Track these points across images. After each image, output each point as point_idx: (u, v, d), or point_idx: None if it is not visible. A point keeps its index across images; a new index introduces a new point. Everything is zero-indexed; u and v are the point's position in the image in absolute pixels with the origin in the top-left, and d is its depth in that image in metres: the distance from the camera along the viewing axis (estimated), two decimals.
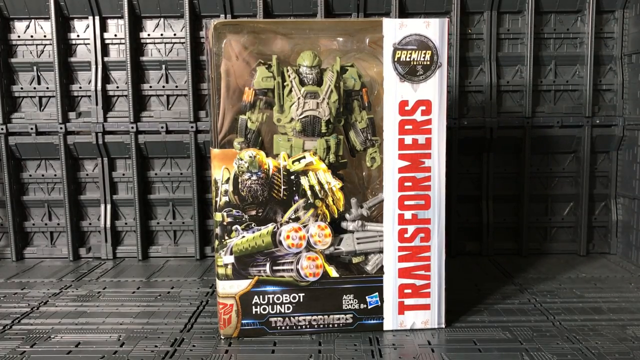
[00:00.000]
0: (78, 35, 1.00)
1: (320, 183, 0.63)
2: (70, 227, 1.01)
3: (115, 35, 0.99)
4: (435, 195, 0.64)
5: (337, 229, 0.64)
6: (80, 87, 1.00)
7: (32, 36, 1.00)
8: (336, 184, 0.63)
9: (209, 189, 1.00)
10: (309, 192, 0.63)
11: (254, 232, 0.63)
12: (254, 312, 0.64)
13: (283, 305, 0.64)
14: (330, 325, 0.65)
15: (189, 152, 0.99)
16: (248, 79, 0.61)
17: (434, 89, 0.62)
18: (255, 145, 0.62)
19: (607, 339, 0.63)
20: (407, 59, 0.61)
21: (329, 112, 0.62)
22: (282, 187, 0.62)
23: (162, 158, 1.02)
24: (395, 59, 0.61)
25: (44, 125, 1.00)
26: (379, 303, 0.65)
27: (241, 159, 0.61)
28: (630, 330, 0.66)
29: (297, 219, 0.63)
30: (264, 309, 0.64)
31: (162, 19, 1.00)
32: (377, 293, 0.65)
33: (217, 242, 0.63)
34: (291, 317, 0.65)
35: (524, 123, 0.98)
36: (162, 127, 0.98)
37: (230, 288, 0.63)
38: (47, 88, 1.00)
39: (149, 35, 1.00)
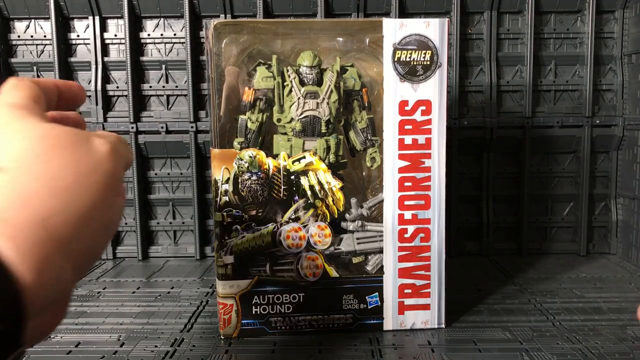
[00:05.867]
0: (78, 35, 1.00)
1: (320, 183, 0.63)
2: None
3: (115, 35, 0.99)
4: (435, 195, 0.64)
5: (337, 229, 0.64)
6: None
7: (32, 36, 0.99)
8: (336, 184, 0.63)
9: (209, 189, 1.00)
10: (309, 192, 0.63)
11: (254, 232, 0.63)
12: (254, 312, 0.64)
13: (283, 305, 0.64)
14: (330, 325, 0.65)
15: (189, 152, 0.99)
16: (247, 79, 0.61)
17: (434, 89, 0.62)
18: (255, 145, 0.62)
19: (607, 339, 0.63)
20: (407, 59, 0.61)
21: (329, 112, 0.62)
22: (282, 187, 0.62)
23: (162, 158, 1.02)
24: (395, 59, 0.61)
25: None
26: (379, 303, 0.65)
27: (241, 159, 0.61)
28: (630, 330, 0.66)
29: (297, 219, 0.63)
30: (264, 309, 0.64)
31: (162, 19, 1.00)
32: (377, 293, 0.65)
33: (217, 242, 0.63)
34: (291, 317, 0.65)
35: (524, 123, 0.98)
36: (162, 127, 0.98)
37: (230, 288, 0.63)
38: None
39: (149, 35, 1.00)
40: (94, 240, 0.34)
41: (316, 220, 0.63)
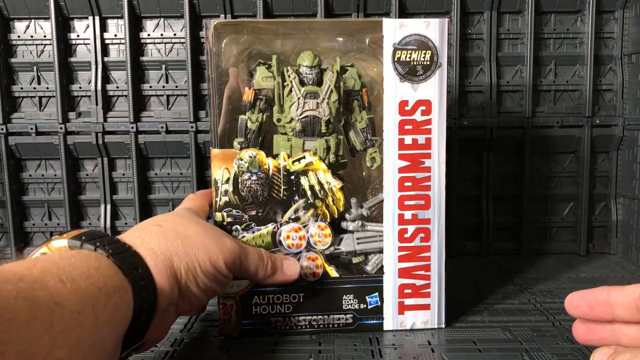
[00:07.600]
0: (78, 35, 1.00)
1: (320, 183, 0.63)
2: (70, 227, 1.01)
3: (115, 35, 0.99)
4: (435, 195, 0.64)
5: (337, 229, 0.64)
6: (80, 87, 1.00)
7: (32, 36, 0.99)
8: (336, 184, 0.63)
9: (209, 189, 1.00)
10: (309, 192, 0.63)
11: (254, 232, 0.63)
12: (254, 312, 0.64)
13: (283, 305, 0.64)
14: (330, 325, 0.65)
15: (189, 152, 0.99)
16: (247, 79, 0.61)
17: (434, 89, 0.62)
18: (255, 145, 0.62)
19: None
20: (407, 59, 0.61)
21: (329, 112, 0.62)
22: (282, 187, 0.62)
23: (162, 158, 1.02)
24: (395, 59, 0.61)
25: (44, 125, 0.99)
26: (379, 303, 0.65)
27: (241, 159, 0.61)
28: None
29: (297, 219, 0.63)
30: (264, 309, 0.64)
31: (162, 19, 1.00)
32: (377, 293, 0.65)
33: None
34: (291, 317, 0.65)
35: (524, 123, 0.98)
36: (162, 127, 0.98)
37: (230, 288, 0.63)
38: (47, 88, 1.00)
39: (149, 35, 1.00)
40: (192, 266, 0.51)
41: (316, 220, 0.63)
